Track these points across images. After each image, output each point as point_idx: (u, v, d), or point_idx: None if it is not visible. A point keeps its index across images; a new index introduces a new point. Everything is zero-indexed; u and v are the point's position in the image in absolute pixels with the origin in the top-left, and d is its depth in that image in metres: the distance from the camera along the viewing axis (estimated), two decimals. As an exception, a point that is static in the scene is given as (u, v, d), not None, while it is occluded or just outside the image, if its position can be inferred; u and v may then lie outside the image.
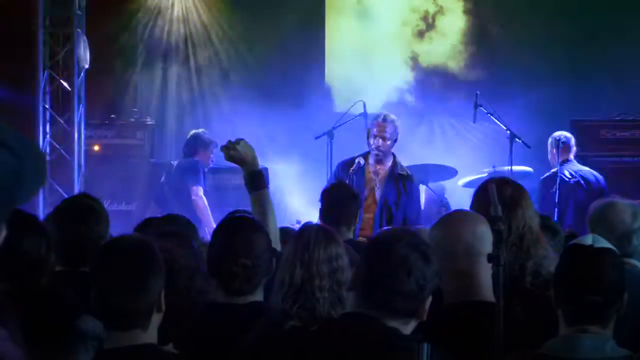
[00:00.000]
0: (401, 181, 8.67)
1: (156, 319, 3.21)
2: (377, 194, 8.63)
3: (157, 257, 3.19)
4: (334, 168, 9.02)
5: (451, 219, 4.03)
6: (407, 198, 8.65)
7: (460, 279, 3.82)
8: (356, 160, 8.61)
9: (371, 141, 8.68)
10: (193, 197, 10.34)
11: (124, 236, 3.38)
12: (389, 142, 8.67)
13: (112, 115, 12.35)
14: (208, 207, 10.29)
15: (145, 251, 3.20)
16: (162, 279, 3.18)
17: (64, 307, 4.07)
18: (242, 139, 4.99)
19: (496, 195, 3.43)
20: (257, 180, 4.94)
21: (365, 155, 8.74)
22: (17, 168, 1.84)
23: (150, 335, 3.20)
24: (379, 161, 8.70)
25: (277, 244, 4.61)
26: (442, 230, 3.95)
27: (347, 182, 8.16)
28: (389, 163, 8.73)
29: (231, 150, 4.94)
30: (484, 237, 3.76)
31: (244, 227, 4.15)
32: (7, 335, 2.01)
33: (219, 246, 4.13)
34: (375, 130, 8.68)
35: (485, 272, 3.69)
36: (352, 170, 8.51)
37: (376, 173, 8.70)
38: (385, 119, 8.73)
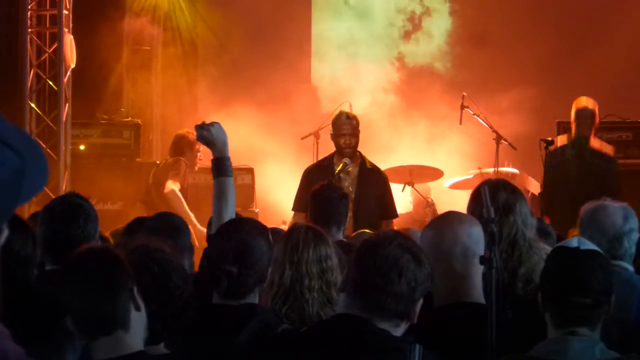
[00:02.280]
0: (372, 175, 8.74)
1: (138, 317, 3.12)
2: (352, 192, 8.63)
3: (116, 257, 3.13)
4: (301, 176, 8.95)
5: (447, 220, 4.00)
6: (380, 191, 8.70)
7: (454, 280, 3.80)
8: (344, 162, 8.62)
9: (340, 140, 8.73)
10: (165, 192, 10.25)
11: (78, 251, 3.33)
12: (356, 139, 8.74)
13: (98, 115, 12.31)
14: (183, 202, 10.14)
15: (100, 254, 3.17)
16: (128, 278, 3.10)
17: (52, 306, 4.06)
18: (217, 123, 4.97)
19: (489, 197, 3.44)
20: (222, 167, 4.90)
21: (333, 156, 8.78)
22: (19, 166, 1.78)
23: (135, 337, 3.13)
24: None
25: None
26: (437, 231, 3.92)
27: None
28: (357, 160, 8.78)
29: (204, 130, 4.93)
30: (480, 239, 3.75)
31: (242, 232, 4.08)
32: (8, 333, 1.98)
33: (213, 249, 4.10)
34: (342, 129, 8.72)
35: (479, 274, 3.68)
36: (340, 170, 8.53)
37: (345, 172, 8.73)
38: (348, 117, 8.81)
